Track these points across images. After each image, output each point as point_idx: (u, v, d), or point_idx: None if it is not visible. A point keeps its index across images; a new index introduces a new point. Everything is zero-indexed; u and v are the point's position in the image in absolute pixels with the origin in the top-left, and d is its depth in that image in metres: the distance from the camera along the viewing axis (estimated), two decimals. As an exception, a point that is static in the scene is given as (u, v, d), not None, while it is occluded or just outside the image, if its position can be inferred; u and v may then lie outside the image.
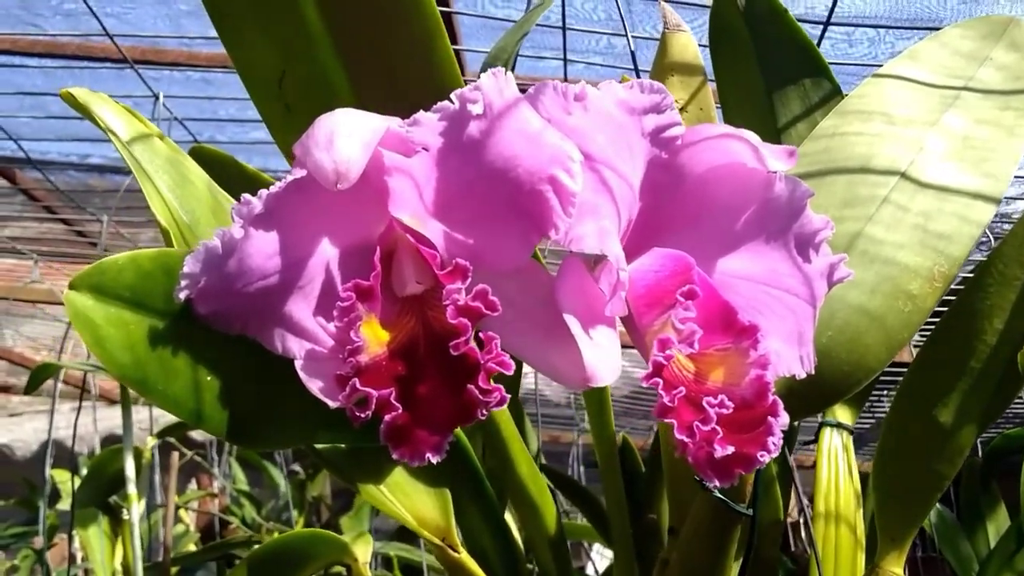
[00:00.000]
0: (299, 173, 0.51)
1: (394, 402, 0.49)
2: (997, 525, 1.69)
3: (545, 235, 0.53)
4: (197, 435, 3.90)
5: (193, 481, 3.79)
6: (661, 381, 0.51)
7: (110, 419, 3.91)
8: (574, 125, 0.53)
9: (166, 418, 2.54)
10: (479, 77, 0.52)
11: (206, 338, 0.53)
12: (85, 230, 3.08)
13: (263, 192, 0.51)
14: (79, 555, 2.17)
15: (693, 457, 0.52)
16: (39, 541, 2.08)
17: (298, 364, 0.53)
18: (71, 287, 0.50)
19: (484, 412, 0.50)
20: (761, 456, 0.52)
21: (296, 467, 3.01)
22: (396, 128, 0.52)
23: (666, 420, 0.51)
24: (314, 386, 0.53)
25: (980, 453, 1.82)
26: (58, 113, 2.48)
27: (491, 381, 0.50)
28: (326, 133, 0.50)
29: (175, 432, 1.67)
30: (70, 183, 2.86)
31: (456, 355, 0.50)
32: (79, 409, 1.69)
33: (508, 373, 0.50)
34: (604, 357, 0.53)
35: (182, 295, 0.51)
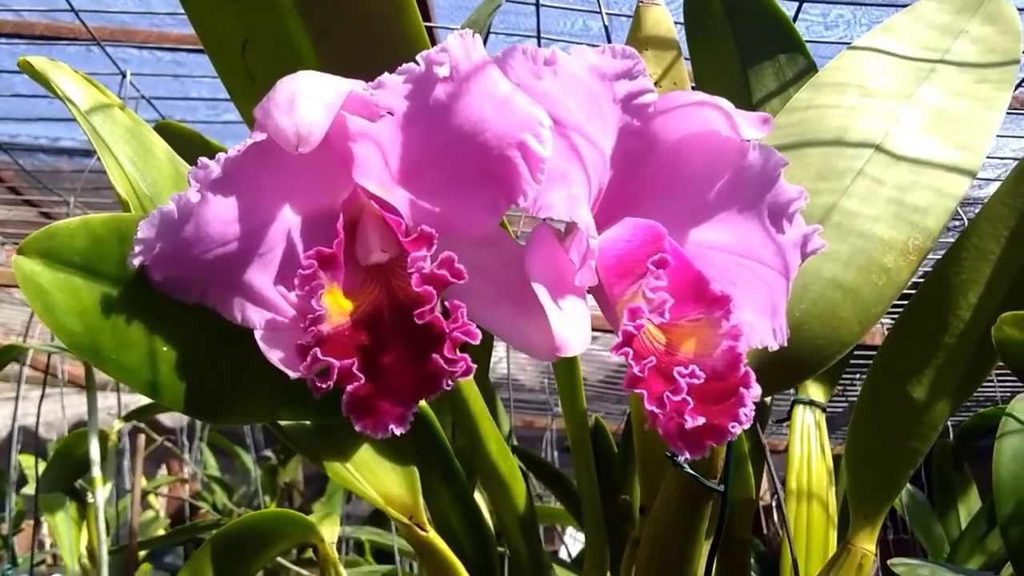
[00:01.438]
0: (259, 136, 0.49)
1: (356, 372, 0.48)
2: (968, 507, 1.70)
3: (513, 202, 0.51)
4: (167, 420, 3.87)
5: (163, 467, 3.76)
6: (631, 351, 0.50)
7: (79, 406, 3.86)
8: (544, 90, 0.52)
9: (135, 404, 2.52)
10: (431, 49, 0.51)
11: (162, 306, 0.51)
12: (52, 212, 3.04)
13: (221, 155, 0.49)
14: (47, 541, 2.15)
15: (663, 428, 0.51)
16: (4, 527, 2.06)
17: (258, 334, 0.52)
18: (19, 252, 0.48)
19: (449, 382, 0.49)
20: (732, 427, 0.51)
21: (268, 453, 2.99)
22: (360, 91, 0.50)
23: (636, 391, 0.50)
24: (274, 356, 0.51)
25: (951, 435, 1.83)
26: (25, 93, 2.44)
27: (456, 351, 0.48)
28: (287, 95, 0.48)
29: (143, 415, 1.65)
30: (38, 166, 2.82)
31: (421, 324, 0.48)
32: (43, 394, 1.66)
33: (474, 342, 0.49)
34: (573, 326, 0.52)
35: (136, 261, 0.49)
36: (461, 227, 0.52)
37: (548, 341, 0.52)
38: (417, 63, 0.50)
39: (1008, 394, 2.93)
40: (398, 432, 0.49)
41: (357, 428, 0.49)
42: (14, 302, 3.40)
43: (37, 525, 1.60)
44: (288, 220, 0.52)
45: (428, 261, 0.49)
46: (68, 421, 2.40)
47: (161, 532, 2.56)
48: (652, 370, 0.51)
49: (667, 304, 0.51)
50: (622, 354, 0.51)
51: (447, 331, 0.48)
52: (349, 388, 0.48)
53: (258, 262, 0.51)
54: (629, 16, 1.66)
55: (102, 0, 2.09)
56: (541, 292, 0.52)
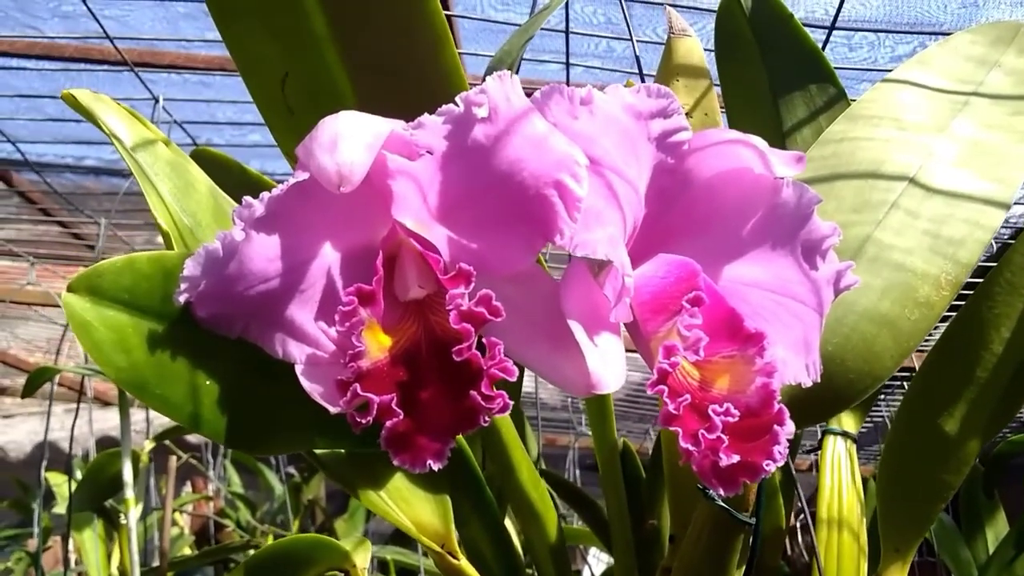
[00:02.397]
0: (301, 176, 0.50)
1: (395, 408, 0.48)
2: (996, 531, 1.68)
3: (550, 240, 0.52)
4: (192, 438, 3.89)
5: (188, 484, 3.77)
6: (666, 389, 0.51)
7: (104, 420, 3.90)
8: (580, 130, 0.52)
9: (161, 420, 2.54)
10: (483, 81, 0.51)
11: (205, 342, 0.52)
12: (80, 232, 3.07)
13: (265, 195, 0.50)
14: (73, 558, 2.16)
15: (698, 466, 0.51)
16: (33, 544, 2.07)
17: (299, 369, 0.52)
18: (69, 289, 0.49)
19: (486, 419, 0.49)
20: (767, 465, 0.51)
21: (291, 470, 3.00)
22: (400, 131, 0.51)
23: (671, 428, 0.51)
24: (315, 391, 0.52)
25: (977, 459, 1.81)
26: (55, 115, 2.47)
27: (494, 387, 0.49)
28: (330, 135, 0.49)
29: (171, 435, 1.66)
30: (66, 185, 2.84)
31: (459, 361, 0.49)
32: (76, 412, 1.67)
33: (511, 380, 0.49)
34: (609, 364, 0.53)
35: (181, 298, 0.50)
36: (498, 264, 0.53)
37: (584, 378, 0.52)
38: (456, 104, 0.50)
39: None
40: (436, 467, 0.49)
41: (395, 462, 0.49)
42: (40, 320, 3.43)
43: (67, 542, 1.61)
44: (328, 257, 0.53)
45: (466, 298, 0.49)
46: (94, 436, 2.41)
47: (187, 550, 2.58)
48: (687, 408, 0.51)
49: (702, 342, 0.51)
50: (657, 392, 0.51)
51: (485, 368, 0.49)
52: (388, 423, 0.48)
53: (299, 298, 0.52)
54: (653, 42, 1.67)
55: (130, 24, 2.12)
56: (577, 329, 0.52)
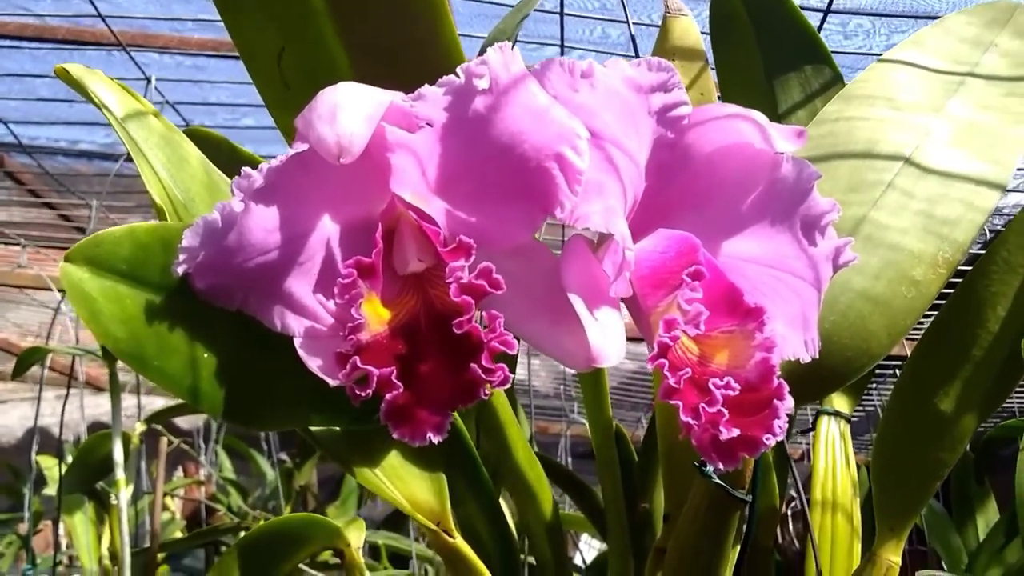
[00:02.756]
0: (301, 147, 0.50)
1: (395, 381, 0.48)
2: (987, 518, 1.69)
3: (550, 213, 0.52)
4: (183, 423, 3.88)
5: (179, 469, 3.77)
6: (666, 362, 0.51)
7: (95, 407, 3.88)
8: (580, 102, 0.52)
9: (153, 406, 2.53)
10: (471, 62, 0.51)
11: (203, 314, 0.52)
12: (71, 215, 3.06)
13: (264, 166, 0.50)
14: (64, 541, 2.16)
15: (697, 439, 0.51)
16: (23, 527, 2.07)
17: (297, 342, 0.52)
18: (67, 259, 0.49)
19: (487, 391, 0.49)
20: (767, 439, 0.51)
21: (283, 456, 3.00)
22: (399, 103, 0.51)
23: (671, 402, 0.51)
24: (313, 364, 0.52)
25: (970, 448, 1.82)
26: (47, 97, 2.46)
27: (494, 360, 0.49)
28: (329, 106, 0.49)
29: (162, 418, 1.66)
30: (57, 168, 2.83)
31: (459, 333, 0.49)
32: (67, 395, 1.67)
33: (511, 352, 0.49)
34: (609, 337, 0.53)
35: (180, 269, 0.50)
36: (497, 238, 0.53)
37: (584, 351, 0.52)
38: (457, 75, 0.50)
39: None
40: (436, 440, 0.49)
41: (395, 435, 0.49)
42: (32, 304, 3.41)
43: (57, 526, 1.61)
44: (328, 229, 0.52)
45: (466, 271, 0.49)
46: (85, 422, 2.41)
47: (178, 534, 2.57)
48: (687, 381, 0.51)
49: (702, 316, 0.51)
50: (657, 365, 0.51)
51: (485, 341, 0.49)
52: (388, 396, 0.48)
53: (298, 270, 0.52)
54: (649, 24, 1.67)
55: (123, 6, 2.11)
56: (577, 303, 0.52)
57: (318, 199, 0.52)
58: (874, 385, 2.44)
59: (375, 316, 0.50)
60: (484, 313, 0.50)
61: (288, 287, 0.52)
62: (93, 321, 0.49)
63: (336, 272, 0.51)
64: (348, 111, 0.48)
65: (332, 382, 0.51)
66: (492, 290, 0.49)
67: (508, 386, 0.50)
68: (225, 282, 0.51)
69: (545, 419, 4.10)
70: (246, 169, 0.49)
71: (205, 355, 0.53)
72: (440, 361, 0.50)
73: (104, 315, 0.50)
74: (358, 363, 0.48)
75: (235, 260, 0.50)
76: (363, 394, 0.48)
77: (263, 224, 0.50)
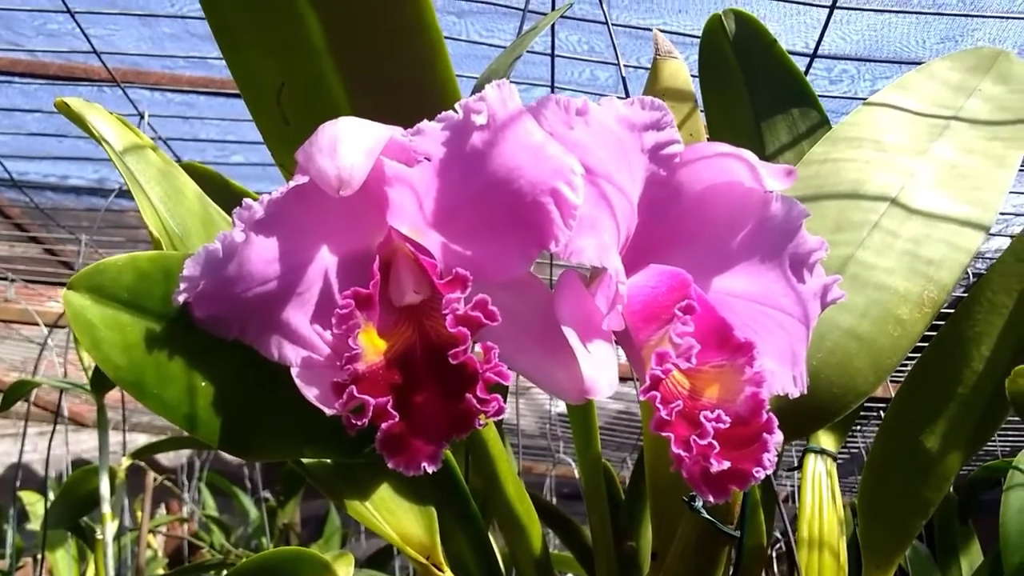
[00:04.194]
0: (301, 179, 0.51)
1: (391, 410, 0.49)
2: (971, 560, 1.69)
3: (545, 247, 0.53)
4: (166, 460, 3.86)
5: (162, 506, 3.74)
6: (658, 395, 0.51)
7: (76, 443, 3.86)
8: (575, 139, 0.53)
9: (136, 443, 2.52)
10: (469, 98, 0.52)
11: (202, 343, 0.53)
12: (57, 250, 3.05)
13: (265, 197, 0.50)
14: (45, 579, 2.14)
15: (688, 472, 0.52)
16: (4, 564, 2.05)
17: (294, 371, 0.53)
18: (69, 287, 0.50)
19: (481, 422, 0.50)
20: (756, 472, 0.52)
21: (266, 494, 2.98)
22: (398, 137, 0.52)
23: (663, 434, 0.51)
24: (310, 393, 0.52)
25: (953, 489, 1.82)
26: (37, 132, 2.47)
27: (488, 391, 0.49)
28: (330, 139, 0.50)
29: (148, 452, 1.65)
30: (44, 204, 2.84)
31: (455, 364, 0.49)
32: (53, 431, 1.66)
33: (506, 383, 0.50)
34: (602, 369, 0.53)
35: (181, 298, 0.50)
36: (493, 271, 0.54)
37: (577, 383, 0.53)
38: (455, 111, 0.51)
39: (1008, 448, 2.94)
40: (430, 470, 0.50)
41: (390, 465, 0.50)
42: (17, 339, 3.40)
43: (42, 562, 1.60)
44: (326, 261, 0.53)
45: (462, 303, 0.50)
46: (69, 457, 2.39)
47: (160, 571, 2.55)
48: (679, 414, 0.52)
49: (694, 349, 0.52)
50: (649, 398, 0.52)
51: (480, 371, 0.49)
52: (383, 426, 0.49)
53: (296, 301, 0.52)
54: (637, 67, 1.69)
55: (115, 43, 2.13)
56: (571, 335, 0.53)
57: (317, 231, 0.53)
58: (858, 427, 2.45)
59: (371, 346, 0.51)
60: (479, 344, 0.50)
61: (286, 317, 0.52)
62: (94, 348, 0.50)
63: (333, 303, 0.51)
64: (348, 145, 0.49)
65: (328, 411, 0.51)
66: (488, 322, 0.50)
67: (501, 418, 0.51)
68: (224, 311, 0.52)
69: (530, 459, 4.09)
70: (247, 200, 0.50)
71: (203, 384, 0.54)
72: (435, 391, 0.51)
73: (105, 343, 0.50)
74: (354, 392, 0.49)
75: (235, 290, 0.51)
76: (359, 423, 0.49)
77: (263, 255, 0.51)
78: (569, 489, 3.95)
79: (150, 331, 0.52)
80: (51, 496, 1.78)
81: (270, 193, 0.51)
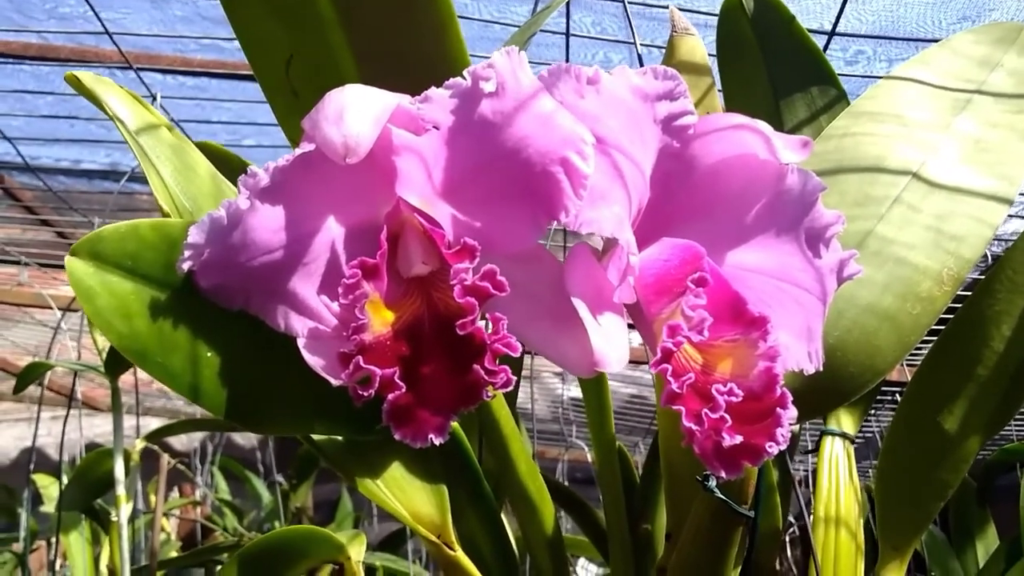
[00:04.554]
0: (307, 147, 0.50)
1: (398, 381, 0.48)
2: (986, 545, 1.68)
3: (555, 218, 0.52)
4: (179, 444, 3.87)
5: (175, 490, 3.76)
6: (669, 368, 0.50)
7: (89, 427, 3.87)
8: (586, 109, 0.52)
9: (150, 427, 2.52)
10: (477, 65, 0.51)
11: (207, 312, 0.52)
12: (68, 233, 3.06)
13: (270, 164, 0.50)
14: (58, 562, 2.15)
15: (700, 446, 0.51)
16: (18, 546, 2.06)
17: (300, 342, 0.52)
18: (72, 253, 0.49)
19: (489, 393, 0.49)
20: (769, 447, 0.51)
21: (279, 477, 2.99)
22: (406, 105, 0.51)
23: (674, 407, 0.50)
24: (317, 364, 0.51)
25: (968, 474, 1.81)
26: (49, 117, 2.47)
27: (497, 362, 0.49)
28: (336, 107, 0.49)
29: (162, 434, 1.65)
30: (56, 188, 2.84)
31: (462, 335, 0.48)
32: (67, 414, 1.66)
33: (514, 354, 0.49)
34: (612, 342, 0.52)
35: (185, 266, 0.50)
36: (502, 242, 0.53)
37: (587, 356, 0.52)
38: (464, 77, 0.50)
39: (1023, 433, 2.92)
40: (437, 442, 0.49)
41: (396, 436, 0.49)
42: (29, 323, 3.41)
43: (57, 544, 1.60)
44: (332, 231, 0.52)
45: (471, 273, 0.49)
46: (82, 441, 2.40)
47: (173, 554, 2.56)
48: (690, 387, 0.51)
49: (706, 322, 0.51)
50: (660, 371, 0.51)
51: (488, 342, 0.48)
52: (390, 397, 0.48)
53: (302, 271, 0.52)
54: (650, 45, 1.67)
55: (126, 27, 2.12)
56: (581, 308, 0.52)
57: (323, 200, 0.52)
58: (873, 412, 2.43)
59: (378, 317, 0.50)
60: (488, 315, 0.49)
61: (292, 287, 0.51)
62: (97, 316, 0.49)
63: (340, 273, 0.51)
64: (355, 112, 0.48)
65: (335, 382, 0.51)
66: (496, 292, 0.49)
67: (510, 390, 0.50)
68: (229, 280, 0.51)
69: (542, 443, 4.08)
70: (252, 167, 0.49)
71: (208, 354, 0.53)
72: (443, 363, 0.50)
73: (108, 310, 0.50)
74: (361, 363, 0.48)
75: (240, 258, 0.50)
76: (365, 394, 0.48)
77: (268, 223, 0.50)
78: (582, 474, 3.94)
79: (153, 299, 0.51)
80: (65, 480, 1.79)
81: (276, 161, 0.50)
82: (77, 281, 0.49)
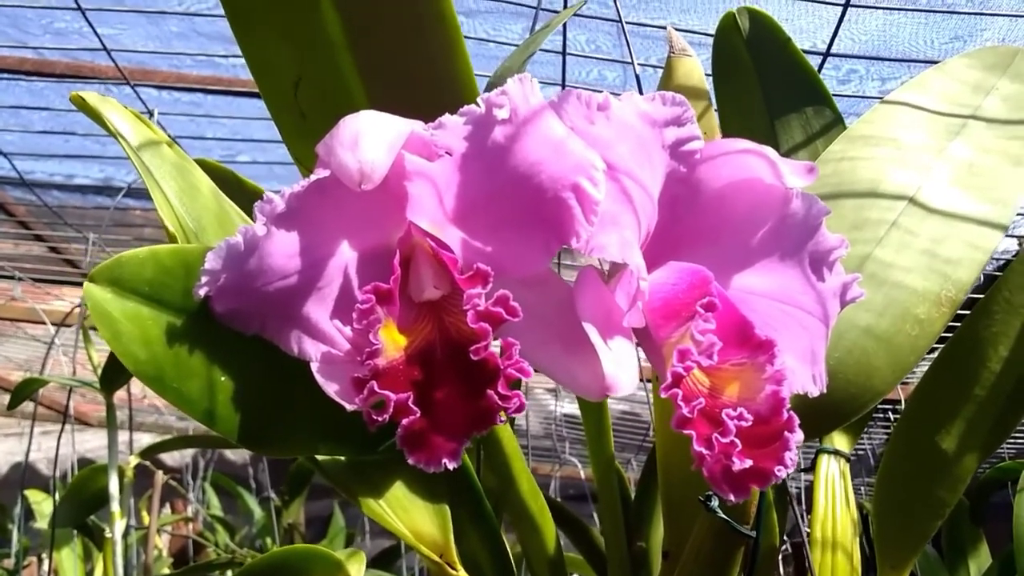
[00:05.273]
0: (322, 173, 0.51)
1: (412, 406, 0.49)
2: (979, 563, 1.69)
3: (566, 243, 0.52)
4: (171, 460, 3.86)
5: (167, 506, 3.74)
6: (680, 392, 0.51)
7: (82, 443, 3.87)
8: (596, 134, 0.53)
9: (142, 443, 2.52)
10: (491, 92, 0.52)
11: (222, 338, 0.52)
12: (60, 248, 3.05)
13: (285, 191, 0.50)
14: (50, 578, 2.14)
15: (709, 470, 0.51)
16: (9, 562, 2.05)
17: (314, 367, 0.52)
18: (90, 279, 0.50)
19: (503, 418, 0.49)
20: (778, 471, 0.52)
21: (271, 494, 2.98)
22: (419, 131, 0.52)
23: (684, 431, 0.51)
24: (330, 389, 0.52)
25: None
26: (44, 132, 2.47)
27: (510, 387, 0.49)
28: (351, 133, 0.50)
29: (155, 451, 1.65)
30: (50, 203, 2.84)
31: (476, 360, 0.49)
32: (61, 429, 1.66)
33: (527, 379, 0.50)
34: (623, 366, 0.53)
35: (202, 292, 0.50)
36: (512, 267, 0.53)
37: (598, 380, 0.52)
38: (478, 105, 0.51)
39: (1014, 451, 2.93)
40: (451, 467, 0.49)
41: (411, 461, 0.49)
42: (22, 337, 3.40)
43: (49, 561, 1.60)
44: (345, 255, 0.53)
45: (483, 299, 0.50)
46: (75, 456, 2.39)
47: (166, 571, 2.55)
48: (700, 412, 0.51)
49: (715, 347, 0.52)
50: (671, 395, 0.51)
51: (502, 367, 0.49)
52: (404, 422, 0.49)
53: (316, 296, 0.52)
54: (645, 65, 1.69)
55: (122, 43, 2.13)
56: (592, 332, 0.53)
57: (337, 225, 0.52)
58: (866, 430, 2.45)
59: (392, 342, 0.51)
60: (500, 340, 0.50)
61: (306, 312, 0.52)
62: (115, 341, 0.50)
63: (353, 298, 0.51)
64: (370, 138, 0.49)
65: (349, 407, 0.51)
66: (509, 318, 0.49)
67: (521, 414, 0.50)
68: (245, 306, 0.51)
69: (535, 460, 4.08)
70: (268, 193, 0.50)
71: (223, 379, 0.53)
72: (456, 387, 0.50)
73: (125, 336, 0.50)
74: (375, 388, 0.49)
75: (255, 284, 0.50)
76: (380, 419, 0.49)
77: (284, 249, 0.50)
78: (574, 490, 3.94)
79: (171, 325, 0.52)
80: (57, 495, 1.78)
81: (291, 187, 0.50)
82: (95, 307, 0.49)
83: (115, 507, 1.25)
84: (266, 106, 0.68)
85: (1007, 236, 1.96)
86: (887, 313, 0.71)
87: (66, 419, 1.63)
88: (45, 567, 2.38)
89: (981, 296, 0.79)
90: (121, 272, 0.51)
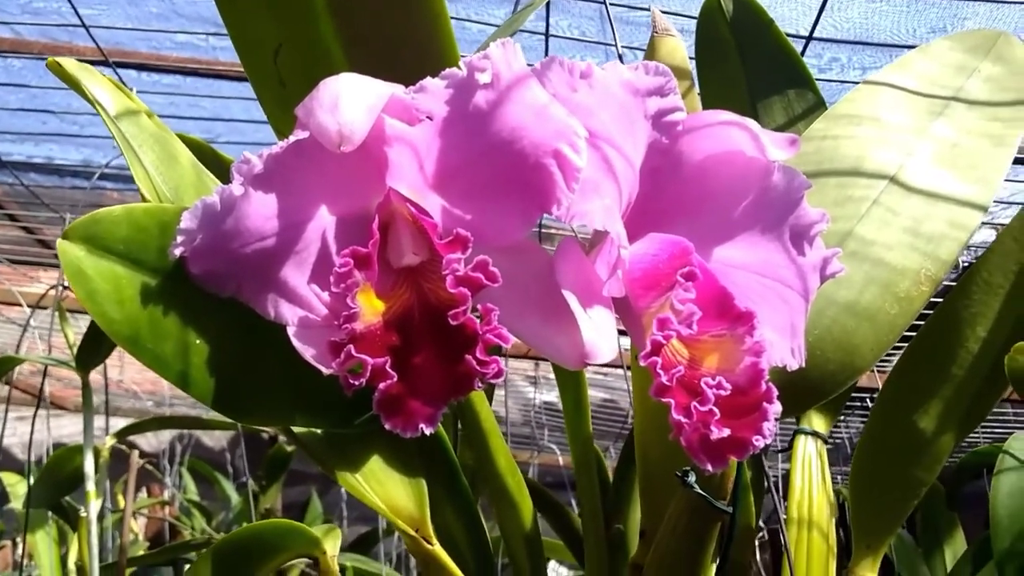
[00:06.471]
0: (301, 135, 0.50)
1: (389, 370, 0.48)
2: (954, 549, 1.70)
3: (547, 210, 0.52)
4: (147, 445, 3.84)
5: (143, 490, 3.73)
6: (659, 361, 0.51)
7: (58, 428, 3.84)
8: (579, 102, 0.53)
9: (118, 428, 2.50)
10: (473, 56, 0.51)
11: (197, 300, 0.52)
12: (35, 229, 3.03)
13: (264, 152, 0.50)
14: (25, 560, 2.12)
15: (687, 439, 0.51)
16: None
17: (291, 330, 0.52)
18: (65, 236, 0.49)
19: (480, 383, 0.49)
20: (756, 441, 0.51)
21: (248, 479, 2.97)
22: (400, 95, 0.51)
23: (663, 400, 0.51)
24: (307, 353, 0.51)
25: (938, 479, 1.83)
26: (20, 111, 2.45)
27: (488, 352, 0.49)
28: (331, 95, 0.49)
29: (132, 432, 1.64)
30: (27, 184, 2.81)
31: (454, 325, 0.49)
32: (35, 412, 1.65)
33: (506, 346, 0.49)
34: (603, 334, 0.53)
35: (177, 251, 0.49)
36: (492, 234, 0.53)
37: (577, 349, 0.52)
38: (460, 68, 0.50)
39: (989, 440, 2.95)
40: (428, 432, 0.49)
41: (387, 426, 0.49)
42: (1, 321, 3.37)
43: (23, 544, 1.58)
44: (324, 220, 0.52)
45: (463, 264, 0.49)
46: (49, 440, 2.37)
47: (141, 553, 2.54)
48: (679, 381, 0.51)
49: (695, 316, 0.52)
50: (649, 364, 0.51)
51: (480, 332, 0.49)
52: (381, 386, 0.48)
53: (293, 259, 0.52)
54: (629, 47, 1.68)
55: (100, 21, 2.11)
56: (572, 300, 0.52)
57: (316, 189, 0.52)
58: (842, 418, 2.46)
59: (369, 307, 0.50)
60: (479, 306, 0.50)
61: (283, 275, 0.51)
62: (89, 300, 0.49)
63: (331, 262, 0.51)
64: (350, 100, 0.49)
65: (325, 371, 0.51)
66: (488, 283, 0.49)
67: (499, 380, 0.50)
68: (221, 267, 0.51)
69: (514, 447, 4.09)
70: (246, 153, 0.49)
71: (197, 342, 0.53)
72: (434, 353, 0.50)
73: (100, 295, 0.49)
74: (352, 352, 0.48)
75: (232, 245, 0.50)
76: (356, 383, 0.48)
77: (261, 210, 0.50)
78: (552, 478, 3.94)
79: (145, 285, 0.51)
80: (32, 480, 1.77)
81: (270, 148, 0.50)
82: (69, 264, 0.49)
83: (90, 486, 1.24)
84: (247, 76, 0.67)
85: (988, 226, 1.97)
86: (867, 290, 0.71)
87: (40, 401, 1.61)
88: (20, 551, 2.37)
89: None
90: (96, 229, 0.50)
